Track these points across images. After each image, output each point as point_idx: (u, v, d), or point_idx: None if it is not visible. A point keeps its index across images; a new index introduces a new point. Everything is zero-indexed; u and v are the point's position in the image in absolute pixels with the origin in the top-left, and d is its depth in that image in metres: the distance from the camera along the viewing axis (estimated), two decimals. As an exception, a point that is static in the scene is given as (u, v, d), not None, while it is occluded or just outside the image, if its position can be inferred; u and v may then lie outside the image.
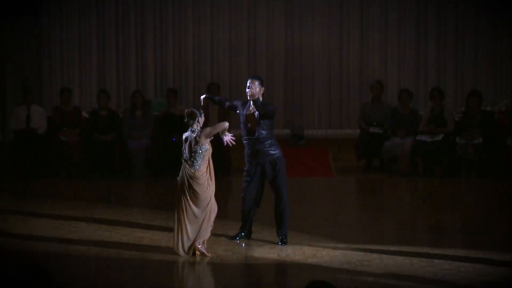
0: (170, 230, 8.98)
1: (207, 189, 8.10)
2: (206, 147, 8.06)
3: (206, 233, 8.17)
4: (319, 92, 16.79)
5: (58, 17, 16.70)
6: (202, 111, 8.21)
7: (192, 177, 8.05)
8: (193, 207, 8.08)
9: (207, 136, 8.04)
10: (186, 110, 8.20)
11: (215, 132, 8.13)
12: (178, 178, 8.16)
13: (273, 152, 8.55)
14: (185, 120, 8.11)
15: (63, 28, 16.73)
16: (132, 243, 8.75)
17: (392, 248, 8.45)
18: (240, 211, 8.78)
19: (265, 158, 8.54)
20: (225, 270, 7.91)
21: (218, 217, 9.26)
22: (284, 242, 8.60)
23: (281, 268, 7.89)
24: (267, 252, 8.38)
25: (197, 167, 8.04)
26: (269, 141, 8.54)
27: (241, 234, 8.83)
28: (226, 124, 8.31)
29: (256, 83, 8.56)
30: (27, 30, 16.64)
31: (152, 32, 16.73)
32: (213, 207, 8.20)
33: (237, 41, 16.79)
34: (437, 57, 16.60)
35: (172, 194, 8.32)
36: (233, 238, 8.82)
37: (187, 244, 8.11)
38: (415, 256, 8.12)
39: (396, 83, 16.46)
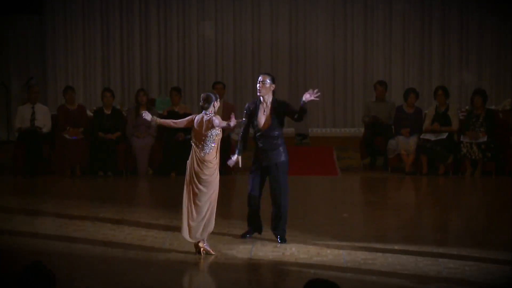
0: (175, 229, 8.98)
1: (214, 174, 8.10)
2: (217, 131, 8.09)
3: (211, 225, 8.15)
4: (324, 91, 16.73)
5: (62, 15, 16.69)
6: (218, 96, 8.24)
7: (202, 161, 8.05)
8: (201, 190, 8.06)
9: (217, 125, 8.04)
10: (202, 94, 8.25)
11: (222, 126, 8.10)
12: (188, 162, 8.16)
13: (280, 154, 8.51)
14: (201, 103, 8.14)
15: (67, 26, 16.73)
16: (136, 241, 8.74)
17: (396, 246, 8.43)
18: (248, 208, 8.70)
19: (271, 161, 8.51)
20: (230, 269, 7.90)
21: (222, 215, 9.27)
22: (284, 240, 8.58)
23: (286, 266, 7.88)
24: (272, 251, 8.36)
25: (208, 151, 8.06)
26: (278, 141, 8.51)
27: (252, 231, 8.77)
28: (231, 124, 8.23)
29: (268, 79, 8.54)
30: (31, 29, 16.65)
31: (157, 31, 16.72)
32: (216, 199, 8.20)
33: (242, 40, 16.77)
34: (442, 56, 16.57)
35: (176, 193, 8.31)
36: (243, 236, 8.77)
37: (194, 231, 8.09)
38: (419, 254, 8.11)
39: (400, 83, 16.43)
